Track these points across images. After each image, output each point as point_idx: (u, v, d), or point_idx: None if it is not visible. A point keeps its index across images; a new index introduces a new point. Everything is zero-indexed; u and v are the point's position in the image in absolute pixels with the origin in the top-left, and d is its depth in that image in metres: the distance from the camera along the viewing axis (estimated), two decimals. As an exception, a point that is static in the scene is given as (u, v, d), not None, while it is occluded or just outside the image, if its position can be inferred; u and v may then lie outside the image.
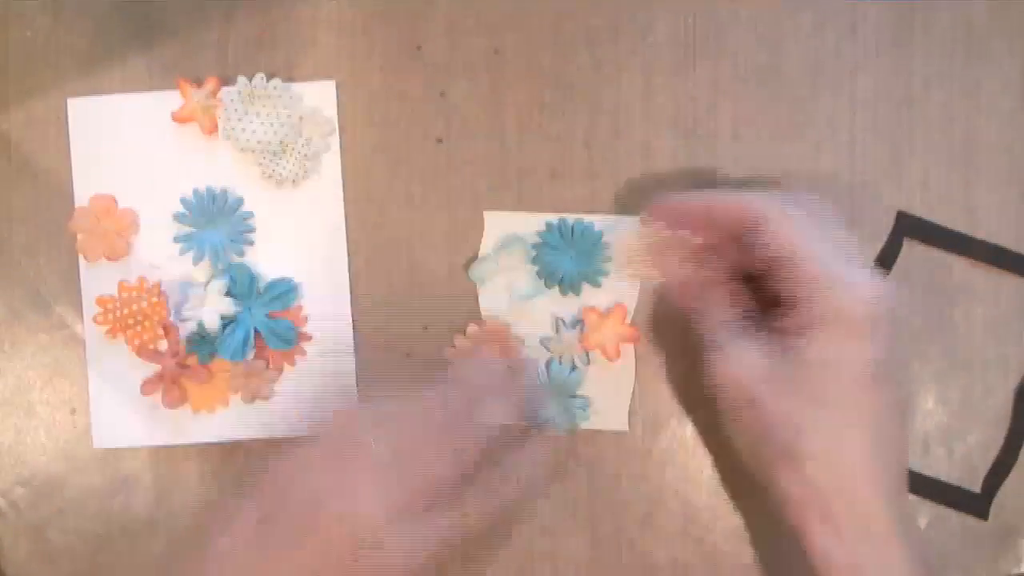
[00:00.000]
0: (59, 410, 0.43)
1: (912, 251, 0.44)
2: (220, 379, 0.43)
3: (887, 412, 0.36)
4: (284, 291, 0.43)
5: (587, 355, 0.43)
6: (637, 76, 0.44)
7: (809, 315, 0.36)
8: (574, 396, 0.43)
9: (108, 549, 0.43)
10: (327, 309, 0.44)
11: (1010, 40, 0.44)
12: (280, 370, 0.43)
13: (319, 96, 0.44)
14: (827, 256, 0.36)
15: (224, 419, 0.43)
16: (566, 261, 0.43)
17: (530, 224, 0.44)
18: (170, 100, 0.43)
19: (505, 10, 0.44)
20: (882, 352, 0.35)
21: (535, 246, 0.43)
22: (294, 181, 0.43)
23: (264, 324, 0.43)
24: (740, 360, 0.37)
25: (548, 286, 0.43)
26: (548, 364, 0.43)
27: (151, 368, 0.43)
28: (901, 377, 0.38)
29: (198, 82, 0.43)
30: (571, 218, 0.43)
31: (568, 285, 0.43)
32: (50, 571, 0.43)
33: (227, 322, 0.42)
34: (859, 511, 0.35)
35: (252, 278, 0.43)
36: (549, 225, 0.43)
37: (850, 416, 0.35)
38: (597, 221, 0.43)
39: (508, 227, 0.44)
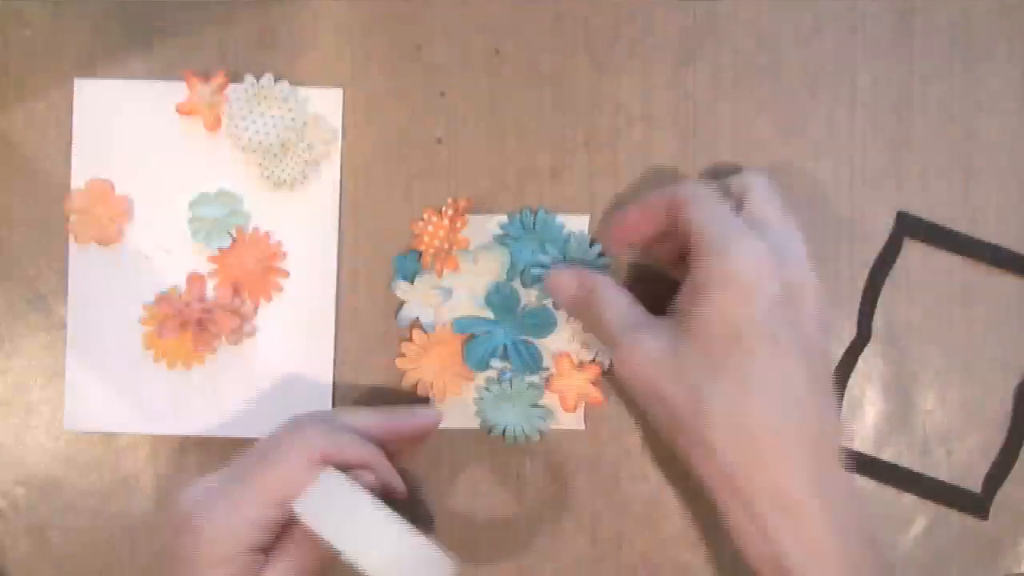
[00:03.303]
0: (59, 410, 0.43)
1: (912, 251, 0.44)
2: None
3: (796, 379, 0.34)
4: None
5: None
6: (637, 76, 0.44)
7: (696, 284, 0.35)
8: (535, 406, 0.43)
9: (108, 549, 0.43)
10: (312, 315, 0.44)
11: (1010, 40, 0.44)
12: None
13: (325, 102, 0.43)
14: (724, 227, 0.35)
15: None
16: (527, 253, 0.43)
17: (492, 221, 0.43)
18: (177, 91, 0.43)
19: (505, 10, 0.44)
20: (763, 314, 0.34)
21: (497, 238, 0.43)
22: (292, 185, 0.43)
23: None
24: (636, 352, 0.36)
25: (510, 277, 0.43)
26: (503, 375, 0.43)
27: (133, 348, 0.43)
28: (824, 347, 0.36)
29: (205, 76, 0.43)
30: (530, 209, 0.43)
31: (529, 277, 0.43)
32: (50, 571, 0.43)
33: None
34: (766, 484, 0.33)
35: None
36: (511, 216, 0.43)
37: (749, 384, 0.34)
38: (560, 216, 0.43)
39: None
